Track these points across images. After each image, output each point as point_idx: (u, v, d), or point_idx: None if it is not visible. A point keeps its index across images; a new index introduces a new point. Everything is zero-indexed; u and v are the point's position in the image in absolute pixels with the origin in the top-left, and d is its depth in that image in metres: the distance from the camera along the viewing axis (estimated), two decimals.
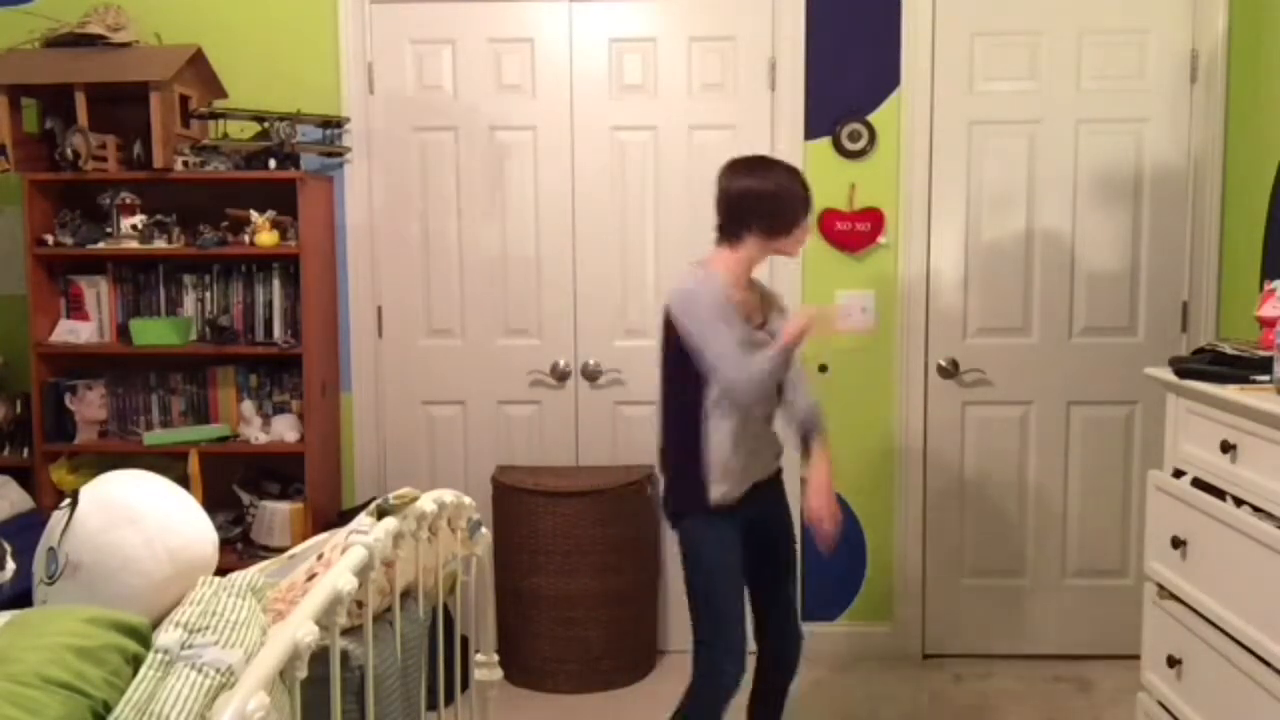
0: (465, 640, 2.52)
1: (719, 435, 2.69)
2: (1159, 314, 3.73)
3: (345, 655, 1.74)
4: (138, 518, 1.65)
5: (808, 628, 3.85)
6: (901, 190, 3.72)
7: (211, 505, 3.25)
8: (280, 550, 2.87)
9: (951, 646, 3.87)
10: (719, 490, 2.70)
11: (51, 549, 1.66)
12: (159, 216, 3.60)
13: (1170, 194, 3.69)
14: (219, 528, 2.55)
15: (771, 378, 2.68)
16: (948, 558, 3.85)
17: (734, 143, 3.76)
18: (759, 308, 2.80)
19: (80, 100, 3.44)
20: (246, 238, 3.56)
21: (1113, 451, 3.78)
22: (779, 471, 2.91)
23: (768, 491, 2.86)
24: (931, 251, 3.74)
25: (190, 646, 1.40)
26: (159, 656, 1.40)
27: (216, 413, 3.72)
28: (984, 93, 3.70)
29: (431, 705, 2.21)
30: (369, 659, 1.79)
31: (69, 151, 3.48)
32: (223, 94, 3.71)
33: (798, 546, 2.98)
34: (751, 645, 2.85)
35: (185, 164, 3.52)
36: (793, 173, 2.78)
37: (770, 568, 2.88)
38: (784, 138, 3.72)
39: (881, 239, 3.74)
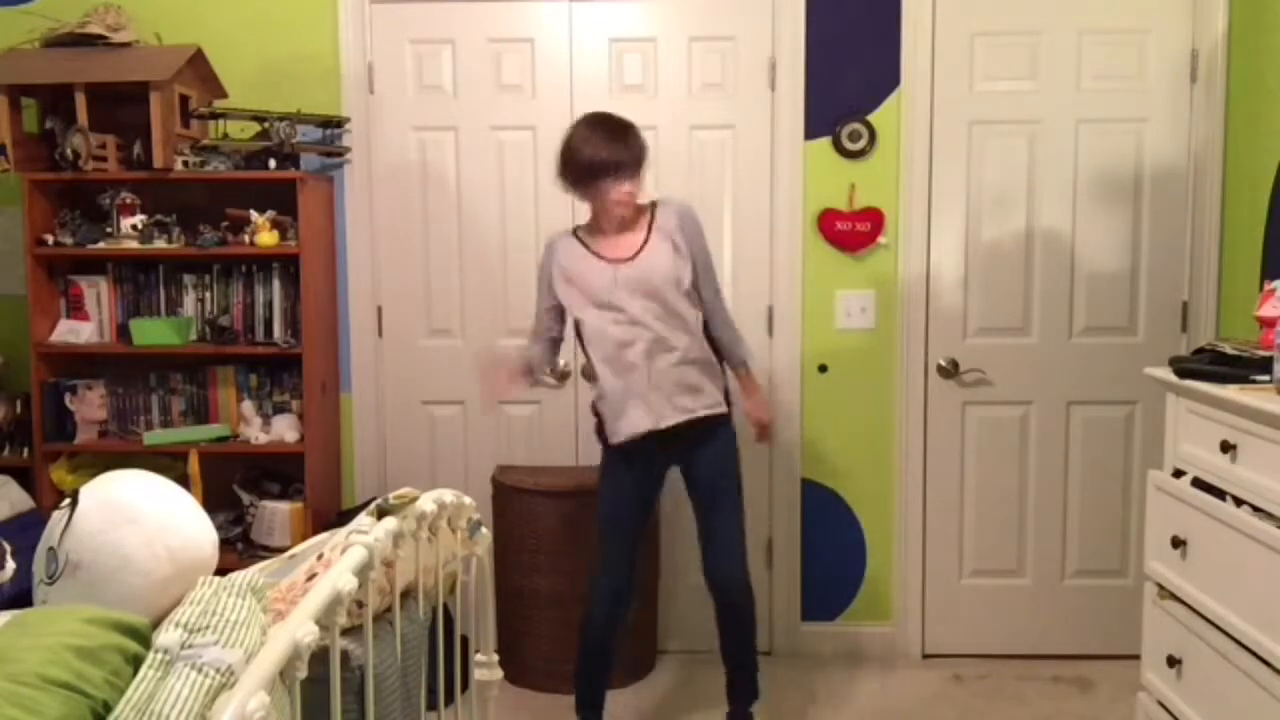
0: (465, 640, 2.52)
1: (598, 384, 3.03)
2: (1159, 314, 3.73)
3: (345, 655, 1.74)
4: (137, 517, 1.65)
5: (808, 627, 3.88)
6: (901, 190, 3.72)
7: (211, 505, 3.25)
8: (280, 550, 2.87)
9: (951, 646, 3.87)
10: (611, 430, 3.00)
11: (51, 549, 1.66)
12: (159, 216, 3.60)
13: (1170, 194, 3.69)
14: (219, 528, 2.54)
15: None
16: (948, 558, 3.85)
17: (734, 142, 3.76)
18: (627, 239, 2.99)
19: (80, 100, 3.44)
20: (246, 238, 3.56)
21: (1113, 451, 3.78)
22: (706, 418, 3.01)
23: (689, 434, 3.00)
24: (931, 251, 3.74)
25: (190, 646, 1.40)
26: (159, 656, 1.40)
27: (216, 413, 3.72)
28: (984, 93, 3.70)
29: (431, 705, 2.21)
30: (369, 659, 1.79)
31: (69, 151, 3.48)
32: (223, 94, 3.71)
33: (737, 483, 3.09)
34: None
35: (185, 164, 3.51)
36: (583, 135, 2.93)
37: (696, 497, 3.08)
38: (784, 138, 3.72)
39: (881, 239, 3.74)
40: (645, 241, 2.97)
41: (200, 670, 1.37)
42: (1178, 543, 2.63)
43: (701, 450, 3.03)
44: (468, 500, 2.27)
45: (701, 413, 2.98)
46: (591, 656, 3.12)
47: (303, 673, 1.46)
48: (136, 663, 1.42)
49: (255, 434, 3.65)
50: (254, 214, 3.56)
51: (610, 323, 2.94)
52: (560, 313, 3.07)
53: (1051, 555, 3.83)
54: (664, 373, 2.94)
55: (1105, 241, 3.72)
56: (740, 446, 3.12)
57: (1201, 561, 2.55)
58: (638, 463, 3.03)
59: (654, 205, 3.04)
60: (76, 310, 3.70)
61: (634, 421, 2.95)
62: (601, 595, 3.07)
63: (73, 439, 3.65)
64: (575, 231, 3.08)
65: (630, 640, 3.59)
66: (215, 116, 3.61)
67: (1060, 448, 3.79)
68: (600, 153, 2.90)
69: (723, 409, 3.04)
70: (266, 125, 3.53)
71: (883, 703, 3.54)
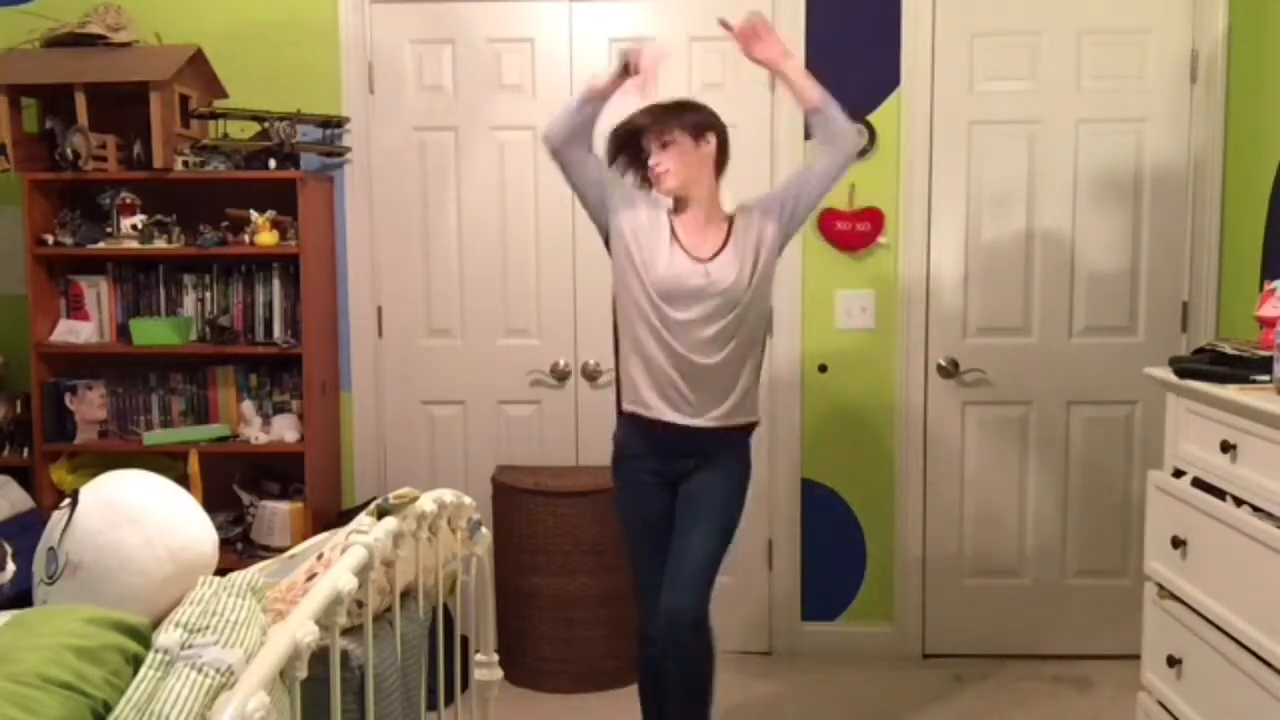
0: (465, 640, 2.52)
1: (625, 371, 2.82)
2: (1159, 314, 3.73)
3: (345, 655, 1.74)
4: (138, 517, 1.65)
5: (808, 627, 3.88)
6: (901, 190, 3.72)
7: (211, 505, 3.24)
8: (280, 550, 2.87)
9: (951, 646, 3.87)
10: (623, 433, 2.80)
11: (51, 549, 1.66)
12: (159, 216, 3.60)
13: (1170, 194, 3.69)
14: (219, 528, 2.54)
15: (567, 113, 2.81)
16: (948, 558, 3.85)
17: (734, 142, 3.75)
18: (706, 236, 2.80)
19: (80, 100, 3.44)
20: (246, 238, 3.56)
21: (1113, 451, 3.78)
22: (725, 430, 2.72)
23: (702, 444, 2.72)
24: (931, 251, 3.74)
25: (190, 646, 1.40)
26: (159, 656, 1.40)
27: (216, 413, 3.72)
28: (984, 93, 3.70)
29: (431, 705, 2.21)
30: (369, 659, 1.79)
31: (69, 151, 3.48)
32: (223, 94, 3.71)
33: (729, 512, 2.76)
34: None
35: (185, 164, 3.52)
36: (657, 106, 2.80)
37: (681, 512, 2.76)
38: (784, 138, 3.72)
39: (881, 239, 3.74)
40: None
41: (200, 670, 1.37)
42: (1178, 543, 2.63)
43: (708, 463, 2.74)
44: (468, 500, 2.27)
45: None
46: (657, 691, 2.79)
47: (303, 673, 1.46)
48: (136, 663, 1.42)
49: (255, 434, 3.65)
50: (254, 214, 3.56)
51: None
52: None
53: (1051, 555, 3.83)
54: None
55: (1105, 241, 3.72)
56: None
57: (1201, 561, 2.55)
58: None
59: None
60: (76, 310, 3.70)
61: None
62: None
63: (73, 439, 3.65)
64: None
65: (630, 640, 3.59)
66: (215, 116, 3.61)
67: (1060, 448, 3.79)
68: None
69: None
70: (266, 125, 3.53)
71: (883, 703, 3.54)
